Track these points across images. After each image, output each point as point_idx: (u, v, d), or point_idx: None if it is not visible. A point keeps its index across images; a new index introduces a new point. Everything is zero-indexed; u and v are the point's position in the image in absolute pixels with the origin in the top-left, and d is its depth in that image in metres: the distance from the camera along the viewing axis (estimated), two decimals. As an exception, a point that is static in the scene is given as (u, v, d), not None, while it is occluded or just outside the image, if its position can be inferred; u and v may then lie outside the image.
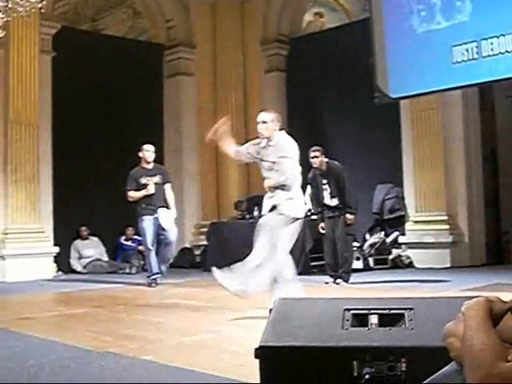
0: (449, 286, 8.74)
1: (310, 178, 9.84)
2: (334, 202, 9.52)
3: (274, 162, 6.59)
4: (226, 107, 14.91)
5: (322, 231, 9.68)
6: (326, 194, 9.56)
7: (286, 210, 6.55)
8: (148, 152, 10.00)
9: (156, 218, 9.72)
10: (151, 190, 9.74)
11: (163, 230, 9.70)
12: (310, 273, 10.84)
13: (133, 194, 9.81)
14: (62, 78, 12.49)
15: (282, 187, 6.56)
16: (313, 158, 9.50)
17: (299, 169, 6.70)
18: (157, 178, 9.90)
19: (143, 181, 9.82)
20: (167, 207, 9.85)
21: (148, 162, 10.00)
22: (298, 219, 6.62)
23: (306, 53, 14.43)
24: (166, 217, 9.76)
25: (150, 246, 9.79)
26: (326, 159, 9.59)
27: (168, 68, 15.00)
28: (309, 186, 9.95)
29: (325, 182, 9.58)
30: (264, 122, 6.68)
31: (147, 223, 9.75)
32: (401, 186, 12.67)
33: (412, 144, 12.40)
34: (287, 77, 15.02)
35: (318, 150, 9.55)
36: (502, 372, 1.46)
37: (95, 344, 5.11)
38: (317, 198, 9.76)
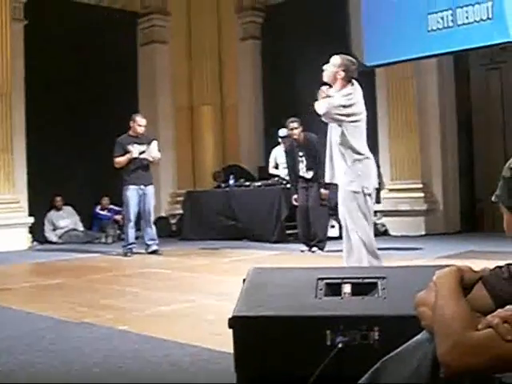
0: (423, 254, 8.80)
1: (287, 148, 9.88)
2: (310, 174, 9.57)
3: None
4: (201, 75, 14.86)
5: (295, 203, 9.73)
6: (302, 166, 9.61)
7: None
8: (140, 127, 9.94)
9: (141, 189, 9.76)
10: (135, 153, 9.71)
11: (145, 203, 9.80)
12: (286, 241, 10.89)
13: (118, 160, 9.78)
14: (34, 46, 12.32)
15: None
16: (291, 129, 9.52)
17: None
18: (145, 147, 9.88)
19: (130, 148, 9.78)
20: (151, 181, 9.97)
21: (138, 134, 9.94)
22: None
23: (281, 20, 14.32)
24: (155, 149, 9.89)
25: (131, 216, 9.80)
26: (303, 132, 9.62)
27: (142, 36, 14.85)
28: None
29: (301, 154, 9.61)
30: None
31: (132, 193, 9.75)
32: (376, 154, 12.67)
33: (387, 112, 12.41)
34: (262, 45, 14.94)
35: (296, 121, 9.58)
36: (471, 341, 1.47)
37: (71, 314, 5.11)
38: (293, 169, 9.79)
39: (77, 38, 13.29)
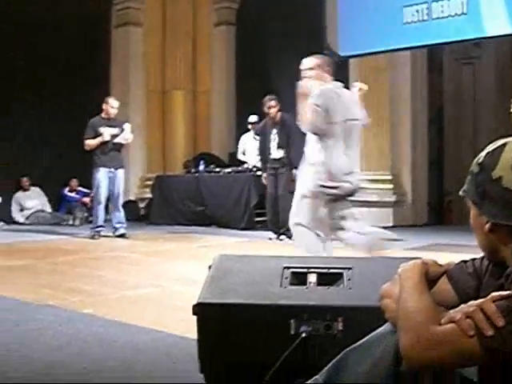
0: (390, 245, 8.81)
1: (260, 127, 9.79)
2: (280, 153, 9.46)
3: None
4: (174, 59, 14.75)
5: (265, 182, 9.68)
6: (273, 145, 9.50)
7: None
8: (113, 109, 9.93)
9: (111, 172, 9.71)
10: (106, 136, 9.66)
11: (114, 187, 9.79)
12: (255, 228, 10.89)
13: (89, 142, 9.71)
14: (4, 24, 12.19)
15: None
16: (269, 107, 9.44)
17: None
18: (116, 130, 9.82)
19: (102, 130, 9.72)
20: (122, 164, 9.98)
21: (110, 117, 9.90)
22: None
23: (256, 7, 14.26)
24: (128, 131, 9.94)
25: (101, 198, 9.76)
26: (279, 111, 9.54)
27: (116, 17, 14.70)
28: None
29: (275, 131, 9.51)
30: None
31: (102, 175, 9.70)
32: (346, 145, 12.72)
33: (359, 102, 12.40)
34: (237, 30, 14.86)
35: (274, 99, 9.49)
36: (433, 335, 1.47)
37: (35, 297, 5.06)
38: (262, 150, 9.72)
39: (49, 18, 13.11)
